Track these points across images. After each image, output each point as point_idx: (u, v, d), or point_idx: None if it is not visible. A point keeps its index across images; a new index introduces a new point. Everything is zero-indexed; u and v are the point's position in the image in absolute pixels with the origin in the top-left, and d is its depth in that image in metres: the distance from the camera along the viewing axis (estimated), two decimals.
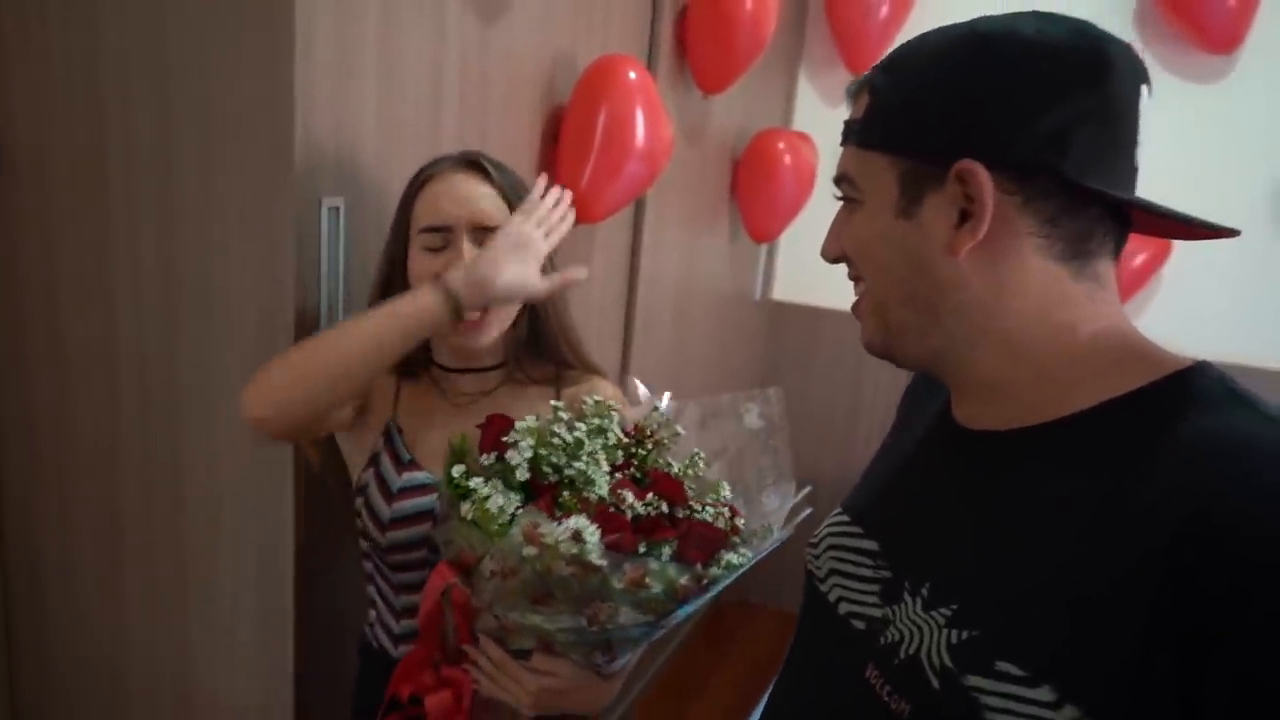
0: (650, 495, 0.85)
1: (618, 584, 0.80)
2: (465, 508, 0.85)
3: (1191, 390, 0.57)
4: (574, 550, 0.78)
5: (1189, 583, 0.47)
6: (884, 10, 2.53)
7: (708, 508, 0.88)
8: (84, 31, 1.11)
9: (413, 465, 1.06)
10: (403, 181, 1.23)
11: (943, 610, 0.58)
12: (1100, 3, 2.45)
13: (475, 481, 0.85)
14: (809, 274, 2.91)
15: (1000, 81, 0.57)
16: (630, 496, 0.84)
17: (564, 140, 1.54)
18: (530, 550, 0.80)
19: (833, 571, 0.71)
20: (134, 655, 1.30)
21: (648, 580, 0.81)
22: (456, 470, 0.87)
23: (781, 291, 2.97)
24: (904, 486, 0.71)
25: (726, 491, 0.91)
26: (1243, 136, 2.44)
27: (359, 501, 1.08)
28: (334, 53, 1.07)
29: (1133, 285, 2.47)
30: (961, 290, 0.60)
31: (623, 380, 1.80)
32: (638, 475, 0.89)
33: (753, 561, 0.86)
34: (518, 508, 0.83)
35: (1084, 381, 0.59)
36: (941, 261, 0.60)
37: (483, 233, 1.01)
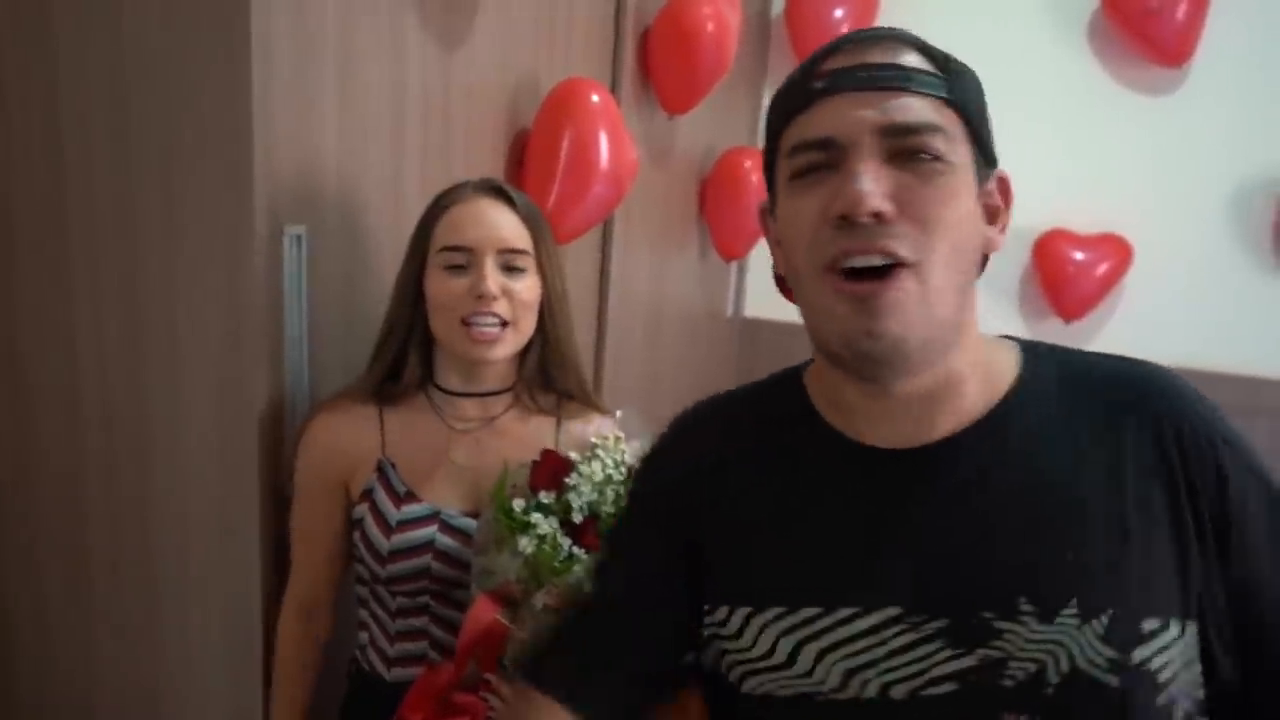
0: None
1: None
2: (524, 542, 0.89)
3: (1048, 356, 0.67)
4: None
5: (1187, 475, 0.60)
6: (844, 29, 2.57)
7: None
8: (41, 68, 1.10)
9: (410, 498, 1.06)
10: (366, 208, 1.24)
11: (1067, 611, 0.57)
12: (1054, 17, 2.51)
13: (536, 517, 0.90)
14: (778, 290, 2.93)
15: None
16: None
17: (529, 164, 1.54)
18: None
19: (853, 671, 0.61)
20: (105, 692, 1.27)
21: None
22: (518, 505, 0.92)
23: (754, 308, 2.99)
24: (867, 538, 0.63)
25: None
26: (1196, 148, 2.50)
27: (355, 535, 1.08)
28: (293, 82, 1.07)
29: (1094, 295, 2.51)
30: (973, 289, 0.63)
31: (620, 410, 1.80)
32: None
33: None
34: (572, 545, 0.89)
35: (997, 366, 0.65)
36: (980, 256, 0.63)
37: (507, 255, 1.04)
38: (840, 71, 0.60)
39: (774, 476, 0.67)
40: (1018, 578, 0.58)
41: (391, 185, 1.27)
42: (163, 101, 1.05)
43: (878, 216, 0.58)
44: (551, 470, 0.95)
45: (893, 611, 0.60)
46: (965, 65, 0.64)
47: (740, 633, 0.65)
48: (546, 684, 0.71)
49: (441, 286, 1.04)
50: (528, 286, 1.06)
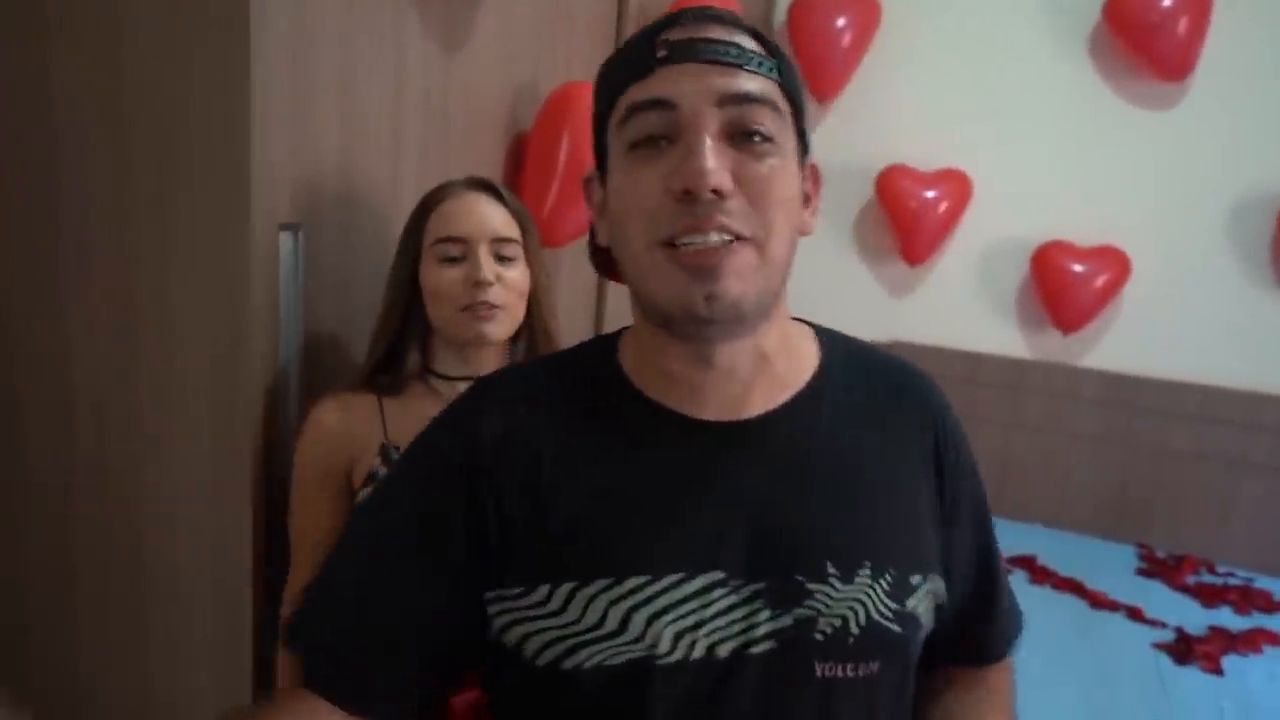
0: None
1: None
2: None
3: (838, 340, 0.77)
4: None
5: (941, 460, 0.73)
6: (847, 38, 2.59)
7: None
8: (36, 65, 1.10)
9: None
10: (363, 208, 1.24)
11: (863, 573, 0.65)
12: (1055, 31, 2.52)
13: None
14: None
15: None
16: None
17: (528, 166, 1.55)
18: None
19: (681, 633, 0.62)
20: (89, 691, 1.27)
21: None
22: None
23: None
24: (685, 507, 0.64)
25: None
26: (1196, 162, 2.50)
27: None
28: (292, 80, 1.08)
29: (1094, 306, 2.52)
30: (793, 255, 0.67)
31: None
32: None
33: None
34: None
35: (799, 347, 0.72)
36: (802, 220, 0.68)
37: (500, 244, 1.08)
38: (683, 43, 0.62)
39: (590, 448, 0.67)
40: (825, 544, 0.65)
41: (389, 185, 1.27)
42: (160, 98, 1.05)
43: (717, 192, 0.60)
44: None
45: (717, 576, 0.64)
46: (788, 57, 0.68)
47: (564, 608, 0.64)
48: (328, 688, 0.66)
49: (439, 277, 1.08)
50: (518, 274, 1.11)
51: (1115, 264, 2.51)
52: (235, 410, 1.10)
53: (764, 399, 0.68)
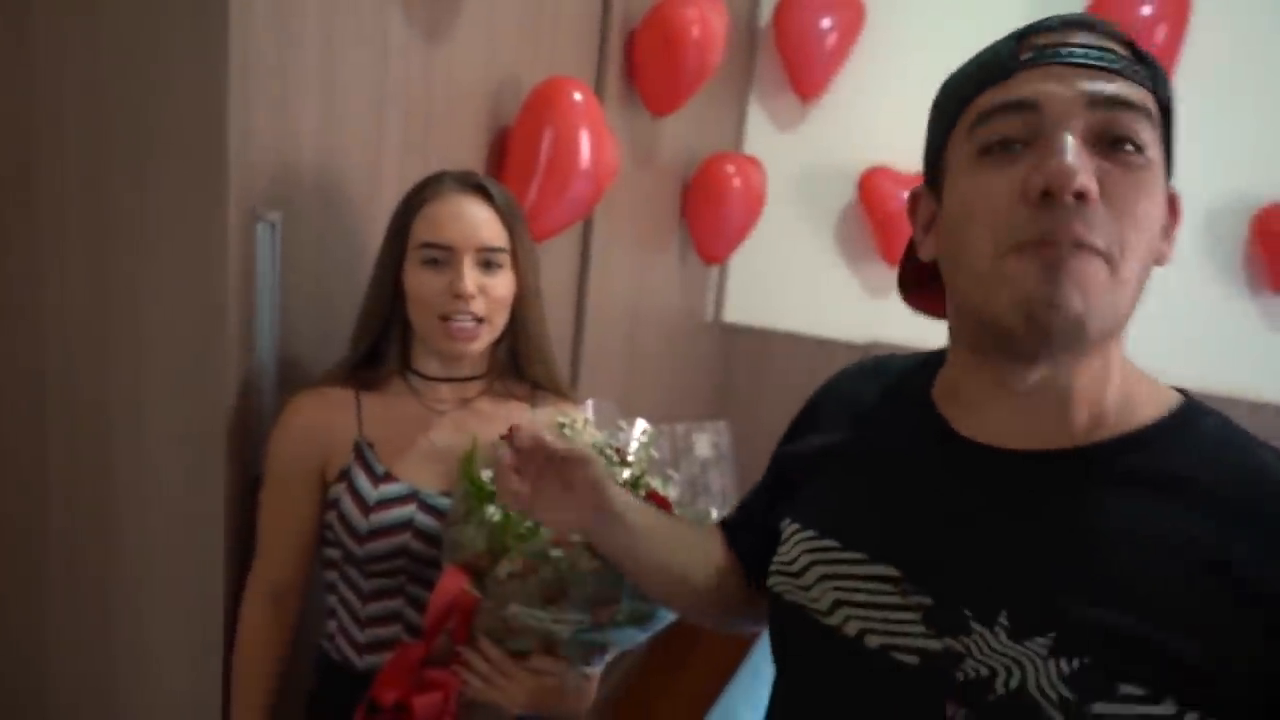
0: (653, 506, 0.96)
1: (629, 581, 0.88)
2: (491, 510, 0.92)
3: (1207, 422, 0.62)
4: None
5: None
6: (831, 39, 2.59)
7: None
8: (13, 48, 1.09)
9: (388, 478, 1.07)
10: (343, 198, 1.23)
11: (1040, 640, 0.56)
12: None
13: None
14: (759, 296, 2.95)
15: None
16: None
17: (509, 161, 1.54)
18: (557, 552, 0.88)
19: (841, 603, 0.65)
20: (58, 685, 1.25)
21: None
22: (486, 475, 0.95)
23: (733, 313, 3.00)
24: (910, 506, 0.65)
25: (714, 515, 1.00)
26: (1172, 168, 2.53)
27: (330, 515, 1.08)
28: (272, 69, 1.07)
29: None
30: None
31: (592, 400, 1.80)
32: (634, 488, 0.98)
33: None
34: None
35: (1137, 398, 0.62)
36: (1161, 245, 0.62)
37: (485, 253, 1.05)
38: (1049, 47, 0.58)
39: (868, 433, 0.73)
40: (1015, 594, 0.58)
41: (369, 177, 1.26)
42: (138, 83, 1.04)
43: (1081, 196, 0.54)
44: None
45: (890, 571, 0.64)
46: (1163, 68, 0.61)
47: (784, 540, 0.74)
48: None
49: (420, 282, 1.05)
50: (503, 283, 1.07)
51: None
52: (210, 402, 1.09)
53: (1055, 432, 0.61)
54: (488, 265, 1.06)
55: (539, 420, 1.11)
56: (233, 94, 1.00)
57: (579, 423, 1.02)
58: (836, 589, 0.66)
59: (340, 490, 1.07)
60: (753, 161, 2.53)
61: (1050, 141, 0.56)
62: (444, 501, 1.07)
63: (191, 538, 1.13)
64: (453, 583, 0.96)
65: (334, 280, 1.23)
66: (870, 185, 2.65)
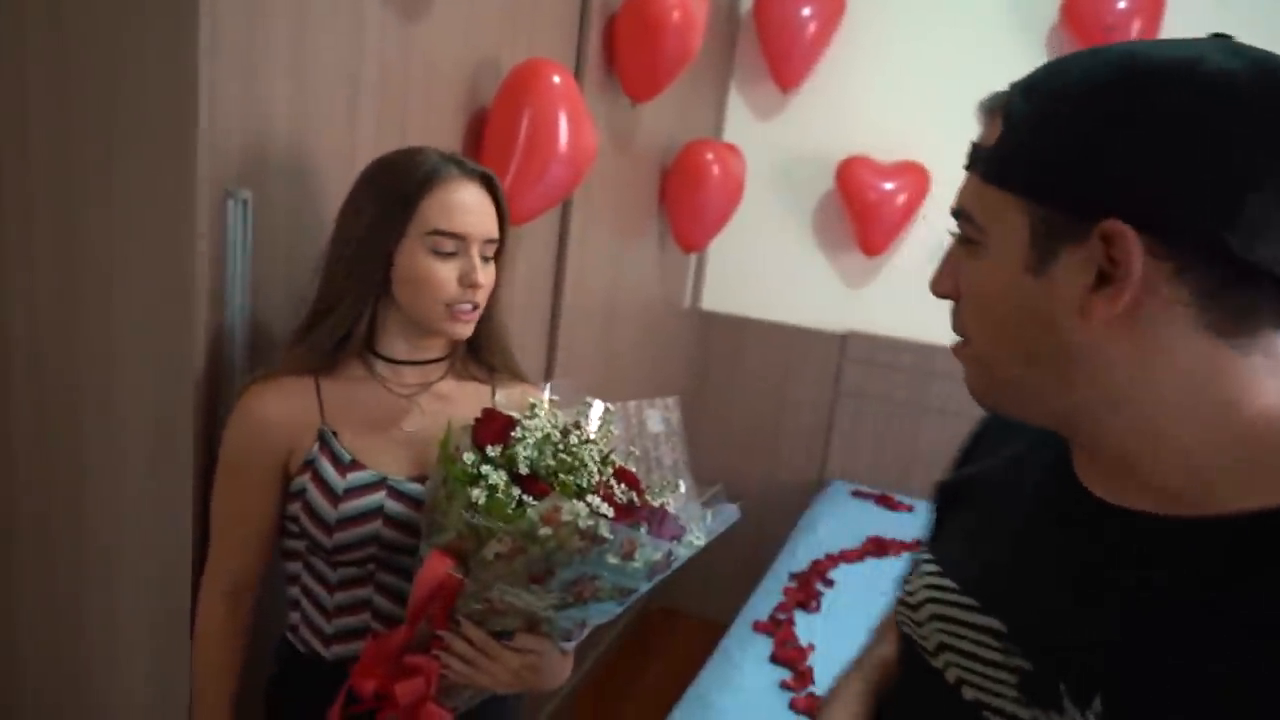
0: (623, 484, 0.97)
1: (613, 558, 0.89)
2: (476, 493, 0.92)
3: None
4: (590, 524, 0.87)
5: None
6: (811, 28, 2.60)
7: (658, 496, 0.99)
8: None
9: (355, 465, 1.05)
10: (316, 177, 1.22)
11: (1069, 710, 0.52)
12: (1013, 31, 2.56)
13: (486, 469, 0.93)
14: (737, 284, 2.96)
15: (1160, 130, 0.48)
16: (616, 484, 0.96)
17: (487, 143, 1.53)
18: (546, 530, 0.88)
19: (945, 647, 0.63)
20: (27, 671, 1.24)
21: (635, 554, 0.90)
22: (469, 458, 0.95)
23: (710, 301, 3.01)
24: (1020, 556, 0.62)
25: (683, 487, 1.02)
26: None
27: (295, 507, 1.06)
28: (243, 45, 1.05)
29: None
30: (1096, 356, 0.53)
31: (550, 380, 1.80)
32: (602, 465, 0.99)
33: (704, 545, 0.97)
34: (521, 494, 0.93)
35: (1244, 472, 0.51)
36: (1073, 324, 0.52)
37: (487, 245, 1.06)
38: None
39: (1016, 475, 0.69)
40: (1107, 675, 0.52)
41: (344, 155, 1.25)
42: (104, 57, 1.02)
43: (944, 294, 0.62)
44: (498, 426, 0.98)
45: (995, 624, 0.59)
46: (1047, 87, 0.53)
47: (913, 570, 0.72)
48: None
49: (429, 269, 1.02)
50: (494, 272, 1.09)
51: None
52: (179, 382, 1.07)
53: (1137, 497, 0.56)
54: (485, 257, 1.07)
55: (505, 402, 1.12)
56: (203, 71, 0.99)
57: (545, 404, 1.02)
58: (944, 630, 0.63)
59: (305, 481, 1.05)
60: (732, 149, 2.53)
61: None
62: (414, 487, 1.06)
63: (160, 517, 1.12)
64: (438, 567, 0.95)
65: (307, 259, 1.21)
66: (848, 174, 2.67)
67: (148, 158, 1.03)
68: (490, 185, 1.08)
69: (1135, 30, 2.36)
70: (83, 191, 1.07)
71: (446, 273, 1.03)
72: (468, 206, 1.04)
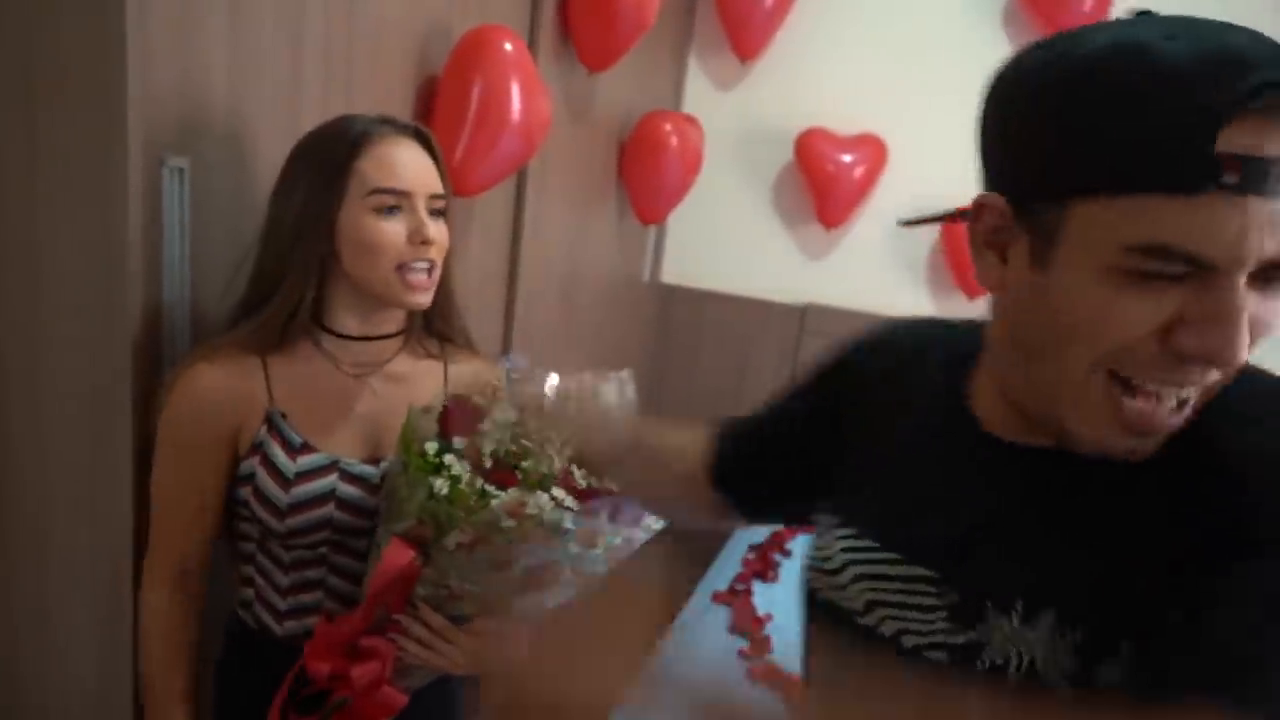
0: (583, 470, 0.96)
1: (575, 547, 0.91)
2: (439, 483, 0.91)
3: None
4: (554, 517, 0.89)
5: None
6: (769, 2, 2.57)
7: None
8: None
9: (306, 449, 1.02)
10: (257, 144, 1.17)
11: (1045, 618, 0.57)
12: (968, 5, 2.56)
13: (449, 459, 0.93)
14: (697, 257, 2.94)
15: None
16: (579, 471, 0.96)
17: (437, 112, 1.49)
18: (509, 523, 0.89)
19: (876, 603, 0.66)
20: None
21: (597, 543, 0.92)
22: (430, 448, 0.94)
23: (671, 274, 2.99)
24: (936, 503, 0.65)
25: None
26: None
27: (245, 491, 1.02)
28: (174, 5, 1.00)
29: None
30: None
31: (506, 355, 1.78)
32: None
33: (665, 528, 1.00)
34: (484, 484, 0.92)
35: None
36: None
37: (433, 200, 1.02)
38: (1254, 164, 0.46)
39: (911, 423, 0.70)
40: (1032, 583, 0.58)
41: (286, 122, 1.20)
42: (19, 20, 0.97)
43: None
44: (467, 416, 0.97)
45: (923, 572, 0.63)
46: None
47: (822, 534, 0.72)
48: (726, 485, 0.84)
49: (375, 230, 0.98)
50: (446, 231, 1.04)
51: None
52: (111, 363, 1.03)
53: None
54: (434, 214, 1.03)
55: (459, 377, 1.10)
56: (131, 29, 0.94)
57: (499, 386, 1.01)
58: (871, 590, 0.66)
59: (254, 464, 1.02)
60: (691, 120, 2.50)
61: (1226, 308, 0.48)
62: (367, 469, 1.04)
63: (96, 500, 1.08)
64: (399, 555, 0.94)
65: (248, 231, 1.17)
66: (806, 146, 2.66)
67: (74, 126, 0.98)
68: (425, 141, 1.04)
69: (1089, 4, 2.38)
70: (4, 156, 1.01)
71: (394, 232, 0.99)
72: (405, 161, 1.00)
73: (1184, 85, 0.46)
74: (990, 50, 2.58)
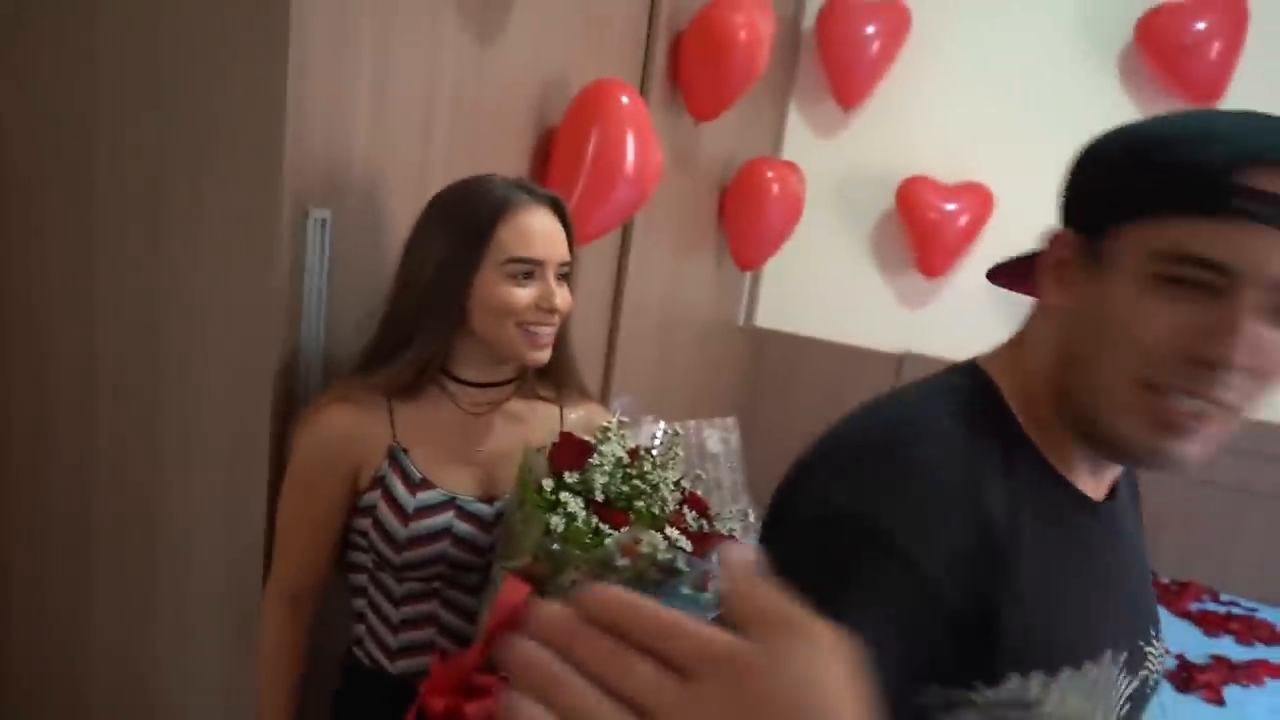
0: (694, 511, 0.97)
1: (687, 589, 0.91)
2: (555, 520, 0.93)
3: None
4: (668, 557, 0.89)
5: None
6: (875, 47, 2.57)
7: (726, 523, 1.00)
8: (77, 44, 1.10)
9: (425, 484, 1.07)
10: (391, 196, 1.24)
11: (1157, 639, 0.72)
12: (1085, 50, 2.51)
13: (565, 496, 0.95)
14: (792, 302, 2.93)
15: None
16: (690, 513, 0.96)
17: (554, 162, 1.55)
18: (624, 561, 0.90)
19: (1108, 714, 0.68)
20: (97, 670, 1.27)
21: (709, 586, 0.92)
22: (548, 484, 0.97)
23: (765, 318, 2.98)
24: (1103, 591, 0.68)
25: (751, 515, 1.03)
26: None
27: (365, 523, 1.07)
28: (328, 67, 1.07)
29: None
30: None
31: (608, 399, 1.81)
32: (675, 489, 1.00)
33: None
34: (598, 523, 0.94)
35: None
36: None
37: (563, 267, 1.08)
38: (1268, 198, 0.55)
39: (1040, 529, 0.63)
40: (1151, 607, 0.73)
41: (417, 174, 1.27)
42: (197, 80, 1.05)
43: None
44: (575, 451, 0.99)
45: (1113, 653, 0.67)
46: None
47: (1041, 700, 0.61)
48: None
49: (508, 295, 1.04)
50: (569, 294, 1.10)
51: None
52: (256, 393, 1.10)
53: (1110, 477, 0.72)
54: (560, 278, 1.08)
55: (576, 421, 1.12)
56: (290, 94, 1.01)
57: (614, 425, 1.03)
58: (1106, 703, 0.66)
59: (375, 497, 1.06)
60: (792, 167, 2.51)
61: (1237, 315, 0.56)
62: (482, 508, 1.07)
63: (233, 523, 1.14)
64: (515, 592, 0.96)
65: (381, 277, 1.23)
66: (908, 194, 2.63)
67: (235, 179, 1.06)
68: (558, 208, 1.09)
69: (1215, 51, 2.30)
70: (170, 209, 1.10)
71: (524, 297, 1.04)
72: (541, 232, 1.05)
73: (1220, 137, 0.58)
74: (1103, 98, 2.52)
